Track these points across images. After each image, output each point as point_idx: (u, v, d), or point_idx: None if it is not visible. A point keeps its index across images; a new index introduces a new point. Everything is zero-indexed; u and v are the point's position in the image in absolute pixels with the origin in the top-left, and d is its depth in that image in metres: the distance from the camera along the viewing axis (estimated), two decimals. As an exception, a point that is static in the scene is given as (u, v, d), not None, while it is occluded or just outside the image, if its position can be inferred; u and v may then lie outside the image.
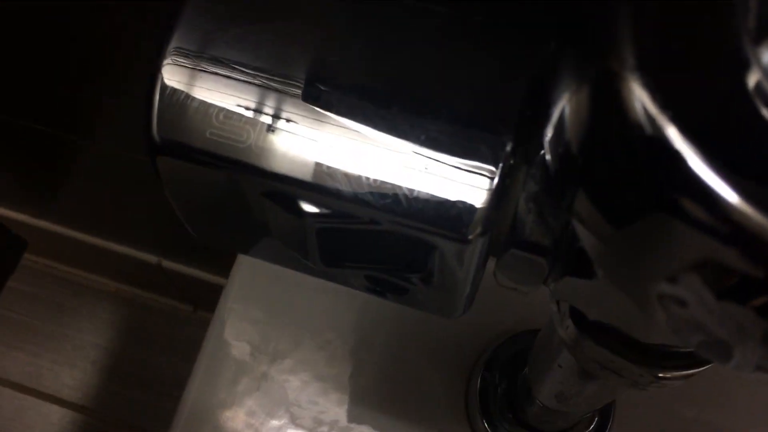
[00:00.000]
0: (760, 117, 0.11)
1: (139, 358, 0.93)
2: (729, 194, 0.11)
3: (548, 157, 0.15)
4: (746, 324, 0.13)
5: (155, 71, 0.18)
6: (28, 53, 0.50)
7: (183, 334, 0.91)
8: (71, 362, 0.93)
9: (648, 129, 0.12)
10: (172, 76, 0.18)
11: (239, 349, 0.47)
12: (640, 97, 0.12)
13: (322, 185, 0.18)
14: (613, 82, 0.12)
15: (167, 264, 0.79)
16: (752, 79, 0.12)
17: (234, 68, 0.18)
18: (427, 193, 0.17)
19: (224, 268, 0.73)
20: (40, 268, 0.94)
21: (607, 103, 0.13)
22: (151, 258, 0.79)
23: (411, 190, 0.17)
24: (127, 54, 0.46)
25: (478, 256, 0.18)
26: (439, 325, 0.45)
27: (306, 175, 0.18)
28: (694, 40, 0.12)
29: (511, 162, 0.18)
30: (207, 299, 0.84)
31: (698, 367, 0.22)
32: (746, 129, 0.12)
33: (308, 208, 0.18)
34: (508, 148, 0.17)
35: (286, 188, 0.18)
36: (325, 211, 0.18)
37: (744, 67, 0.12)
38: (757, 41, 0.11)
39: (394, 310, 0.47)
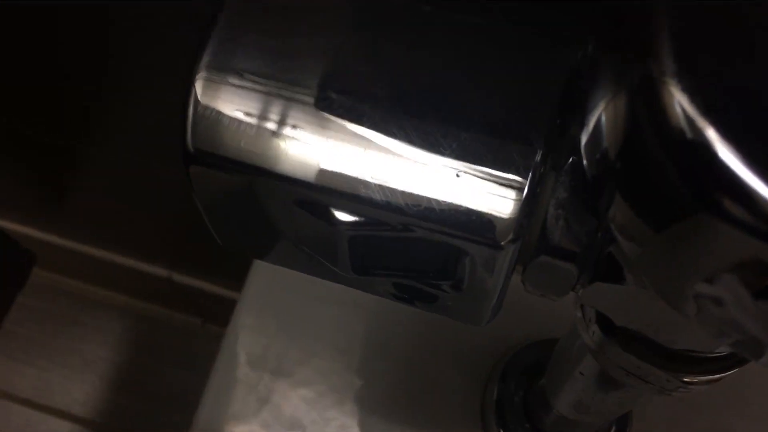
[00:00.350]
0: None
1: (148, 371, 0.93)
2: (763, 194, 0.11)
3: (585, 162, 0.15)
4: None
5: (189, 84, 0.19)
6: (36, 62, 0.51)
7: (192, 348, 0.91)
8: (80, 377, 0.93)
9: (688, 132, 0.12)
10: (205, 88, 0.19)
11: (253, 362, 0.47)
12: (680, 101, 0.12)
13: (355, 194, 0.18)
14: (653, 86, 0.13)
15: (177, 277, 0.80)
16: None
17: (266, 81, 0.19)
18: (460, 201, 0.18)
19: (234, 280, 0.73)
20: (48, 283, 0.95)
21: (647, 108, 0.13)
22: (161, 271, 0.79)
23: (444, 198, 0.18)
24: (137, 64, 0.47)
25: (509, 262, 0.19)
26: (455, 333, 0.45)
27: (339, 183, 0.18)
28: (732, 44, 0.12)
29: (542, 170, 0.18)
30: (216, 312, 0.84)
31: (726, 372, 0.22)
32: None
33: (341, 216, 0.18)
34: (539, 156, 0.18)
35: (318, 197, 0.18)
36: (357, 219, 0.18)
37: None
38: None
39: (407, 320, 0.47)
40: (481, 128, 0.18)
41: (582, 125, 0.16)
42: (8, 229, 0.81)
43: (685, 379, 0.22)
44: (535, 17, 0.19)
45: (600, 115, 0.15)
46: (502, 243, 0.18)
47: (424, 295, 0.21)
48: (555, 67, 0.18)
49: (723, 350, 0.21)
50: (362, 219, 0.18)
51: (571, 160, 0.19)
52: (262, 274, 0.49)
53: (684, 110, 0.12)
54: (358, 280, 0.21)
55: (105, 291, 0.93)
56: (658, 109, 0.13)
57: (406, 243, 0.19)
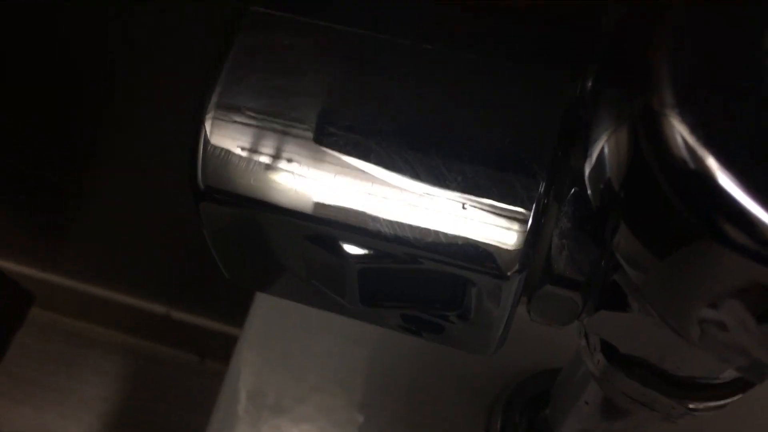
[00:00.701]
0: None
1: (146, 410, 0.92)
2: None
3: (589, 191, 0.16)
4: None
5: (198, 124, 0.19)
6: (34, 99, 0.51)
7: (190, 385, 0.91)
8: (77, 416, 0.92)
9: (690, 162, 0.13)
10: (214, 128, 0.19)
11: (254, 398, 0.47)
12: (681, 132, 0.13)
13: (363, 227, 0.18)
14: (654, 118, 0.13)
15: (176, 314, 0.79)
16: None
17: (273, 120, 0.19)
18: (466, 233, 0.18)
19: (234, 316, 0.73)
20: (46, 322, 0.94)
21: (649, 139, 0.13)
22: (160, 308, 0.79)
23: (450, 231, 0.18)
24: (137, 103, 0.47)
25: (515, 293, 0.19)
26: (458, 364, 0.45)
27: (347, 218, 0.18)
28: (728, 77, 0.13)
29: (545, 201, 0.18)
30: (216, 349, 0.83)
31: (730, 397, 0.22)
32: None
33: (350, 249, 0.19)
34: (542, 188, 0.18)
35: (328, 231, 0.18)
36: (366, 252, 0.18)
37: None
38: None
39: (409, 353, 0.47)
40: (485, 162, 0.18)
41: (584, 156, 0.16)
42: (6, 268, 0.81)
43: (691, 406, 0.22)
44: (533, 50, 0.20)
45: (603, 146, 0.15)
46: (508, 273, 0.18)
47: (431, 326, 0.21)
48: (554, 100, 0.19)
49: (727, 376, 0.22)
50: (371, 252, 0.18)
51: (573, 190, 0.19)
52: (264, 309, 0.49)
53: (685, 141, 0.13)
54: (365, 312, 0.21)
55: (103, 329, 0.93)
56: (660, 140, 0.13)
57: (413, 274, 0.19)
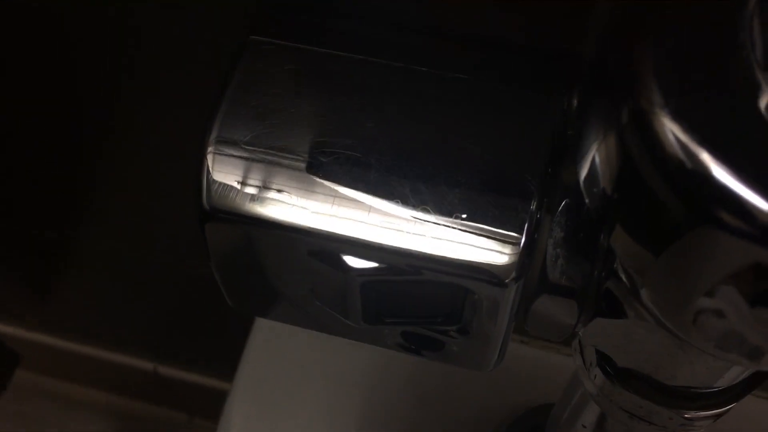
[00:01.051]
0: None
1: (132, 472, 0.90)
2: (759, 202, 0.13)
3: (586, 199, 0.16)
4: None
5: (203, 150, 0.20)
6: (18, 149, 0.51)
7: (178, 445, 0.89)
8: (61, 481, 0.90)
9: (684, 158, 0.13)
10: (216, 155, 0.20)
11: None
12: (672, 130, 0.14)
13: (365, 241, 0.19)
14: (645, 120, 0.14)
15: (163, 370, 0.79)
16: (763, 101, 0.13)
17: (274, 142, 0.20)
18: (466, 244, 0.19)
19: (223, 371, 0.73)
20: (30, 385, 0.93)
21: (641, 139, 0.14)
22: (147, 365, 0.78)
23: (451, 242, 0.19)
24: (122, 163, 0.48)
25: (512, 302, 0.19)
26: (453, 403, 0.45)
27: (349, 232, 0.19)
28: (710, 73, 0.14)
29: (538, 215, 0.19)
30: (203, 406, 0.82)
31: (725, 406, 0.22)
32: (764, 146, 0.13)
33: (352, 262, 0.19)
34: (535, 202, 0.19)
35: (330, 245, 0.19)
36: (369, 264, 0.19)
37: (756, 91, 0.13)
38: (766, 69, 0.13)
39: (403, 395, 0.47)
40: (481, 179, 0.19)
41: (576, 167, 0.17)
42: (-10, 329, 0.80)
43: (687, 416, 0.22)
44: (520, 73, 0.21)
45: (594, 154, 0.16)
46: (506, 281, 0.19)
47: (432, 342, 0.22)
48: (543, 120, 0.20)
49: (721, 384, 0.22)
50: (373, 264, 0.19)
51: (564, 202, 0.20)
52: (254, 362, 0.49)
53: (677, 138, 0.14)
54: (367, 330, 0.22)
55: (89, 390, 0.91)
56: (652, 139, 0.14)
57: (414, 287, 0.20)
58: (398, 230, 0.19)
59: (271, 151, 0.20)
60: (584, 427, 0.29)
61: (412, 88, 0.20)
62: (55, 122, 0.45)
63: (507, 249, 0.19)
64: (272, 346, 0.49)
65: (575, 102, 0.20)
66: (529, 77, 0.21)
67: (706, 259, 0.14)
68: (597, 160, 0.16)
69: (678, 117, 0.14)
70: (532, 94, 0.20)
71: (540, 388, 0.46)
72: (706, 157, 0.13)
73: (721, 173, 0.13)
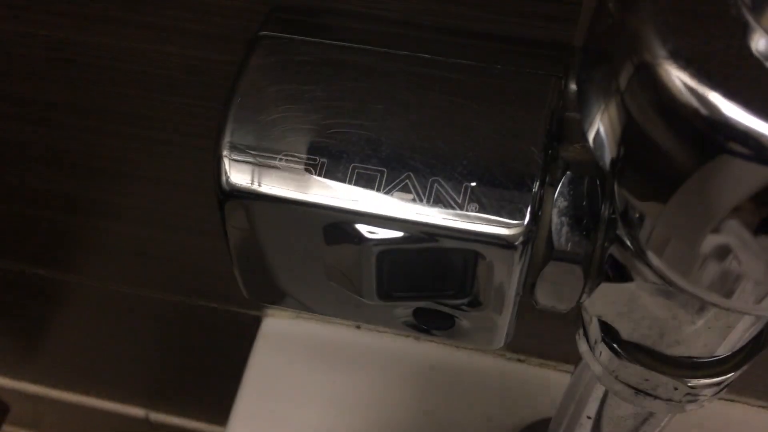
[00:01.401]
0: (765, 68, 0.14)
1: None
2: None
3: (600, 158, 0.17)
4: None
5: (221, 126, 0.21)
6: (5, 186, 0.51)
7: (169, 496, 0.87)
8: None
9: (694, 101, 0.14)
10: (235, 131, 0.21)
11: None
12: (678, 76, 0.15)
13: (381, 214, 0.20)
14: (650, 71, 0.15)
15: (155, 416, 0.78)
16: (754, 40, 0.15)
17: (286, 130, 0.21)
18: (477, 211, 0.20)
19: (216, 415, 0.72)
20: (15, 439, 0.91)
21: (648, 90, 0.15)
22: (138, 411, 0.77)
23: (464, 209, 0.20)
24: (108, 212, 0.48)
25: (521, 266, 0.20)
26: (454, 417, 0.46)
27: (365, 206, 0.20)
28: (704, 21, 0.15)
29: (542, 186, 0.20)
30: (195, 453, 0.81)
31: (728, 374, 0.23)
32: (758, 80, 0.14)
33: (368, 233, 0.20)
34: (539, 172, 0.20)
35: (347, 217, 0.20)
36: (384, 235, 0.20)
37: (746, 31, 0.15)
38: (753, 9, 0.15)
39: (402, 418, 0.47)
40: (488, 151, 0.20)
41: (583, 134, 0.18)
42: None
43: (691, 384, 0.23)
44: (520, 58, 0.22)
45: (598, 123, 0.17)
46: (516, 243, 0.20)
47: (443, 319, 0.23)
48: (542, 100, 0.21)
49: (722, 352, 0.23)
50: (388, 234, 0.20)
51: (567, 174, 0.21)
52: (247, 405, 0.49)
53: (684, 83, 0.15)
54: (380, 309, 0.23)
55: (77, 441, 0.89)
56: (660, 88, 0.15)
57: (428, 257, 0.21)
58: (412, 201, 0.20)
59: (287, 132, 0.21)
60: (589, 418, 0.29)
61: (418, 73, 0.22)
62: (49, 166, 0.45)
63: (515, 214, 0.20)
64: (265, 390, 0.49)
65: (572, 86, 0.22)
66: (527, 63, 0.22)
67: (713, 195, 0.15)
68: (601, 126, 0.17)
69: (682, 64, 0.15)
70: (530, 77, 0.22)
71: (539, 404, 0.46)
72: (714, 97, 0.14)
73: (730, 109, 0.14)
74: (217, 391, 0.69)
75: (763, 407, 0.46)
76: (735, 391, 0.46)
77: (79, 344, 0.72)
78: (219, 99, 0.22)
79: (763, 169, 0.14)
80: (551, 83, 0.22)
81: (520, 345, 0.48)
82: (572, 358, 0.30)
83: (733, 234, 0.15)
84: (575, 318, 0.26)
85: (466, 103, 0.21)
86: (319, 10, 0.25)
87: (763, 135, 0.14)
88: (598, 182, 0.21)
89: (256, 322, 0.54)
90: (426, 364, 0.49)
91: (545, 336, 0.47)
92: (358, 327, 0.50)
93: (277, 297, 0.24)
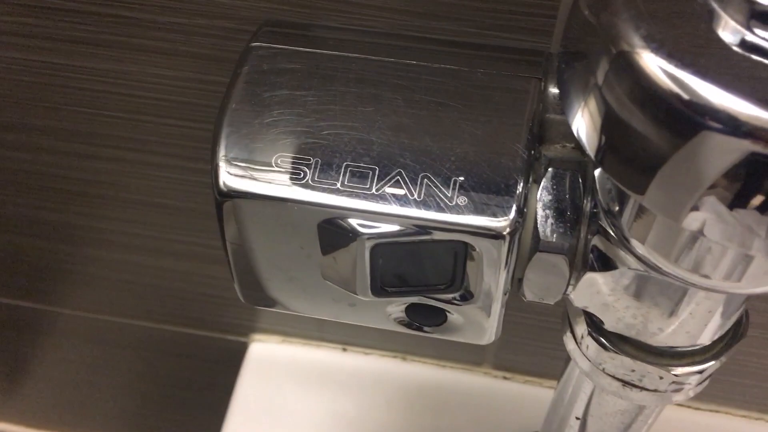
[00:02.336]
0: (733, 51, 0.16)
1: None
2: (742, 106, 0.15)
3: (583, 141, 0.18)
4: (753, 224, 0.16)
5: (217, 131, 0.22)
6: None
7: None
8: None
9: (669, 82, 0.16)
10: (230, 136, 0.22)
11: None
12: (657, 63, 0.16)
13: (374, 211, 0.21)
14: (628, 60, 0.16)
15: (138, 453, 0.77)
16: (720, 26, 0.16)
17: (279, 133, 0.22)
18: (466, 205, 0.20)
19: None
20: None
21: (626, 78, 0.16)
22: (121, 448, 0.76)
23: (454, 203, 0.20)
24: (99, 219, 0.48)
25: (509, 257, 0.21)
26: (443, 435, 0.46)
27: (358, 204, 0.21)
28: (673, 10, 0.16)
29: (527, 180, 0.21)
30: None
31: (710, 362, 0.24)
32: (728, 63, 0.16)
33: (362, 227, 0.21)
34: (524, 166, 0.21)
35: (342, 215, 0.21)
36: (378, 230, 0.21)
37: (713, 18, 0.16)
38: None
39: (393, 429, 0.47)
40: (475, 148, 0.21)
41: (565, 137, 0.19)
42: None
43: (675, 372, 0.24)
44: (501, 63, 0.23)
45: (579, 116, 0.18)
46: (504, 233, 0.20)
47: (435, 315, 0.23)
48: (524, 101, 0.22)
49: (704, 341, 0.24)
50: (382, 229, 0.21)
51: (551, 170, 0.22)
52: (235, 430, 0.49)
53: (662, 68, 0.16)
54: (373, 306, 0.23)
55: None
56: (638, 75, 0.16)
57: (420, 252, 0.21)
58: (403, 196, 0.21)
59: (281, 134, 0.21)
60: (577, 419, 0.30)
61: (405, 78, 0.23)
62: (32, 192, 0.45)
63: (502, 206, 0.20)
64: (252, 414, 0.49)
65: (551, 89, 0.23)
66: (508, 68, 0.23)
67: (693, 172, 0.16)
68: (583, 119, 0.18)
69: (657, 50, 0.16)
70: (512, 80, 0.23)
71: (526, 420, 0.47)
72: (691, 79, 0.15)
73: (706, 90, 0.15)
74: (205, 419, 0.68)
75: (745, 416, 0.47)
76: (718, 401, 0.47)
77: (61, 378, 0.71)
78: (210, 121, 0.23)
79: (739, 142, 0.15)
80: (532, 85, 0.23)
81: (506, 363, 0.49)
82: (557, 373, 0.31)
83: (713, 210, 0.16)
84: (561, 322, 0.27)
85: (452, 104, 0.22)
86: (308, 24, 0.26)
87: (737, 111, 0.15)
88: (579, 178, 0.22)
89: (242, 348, 0.54)
90: (413, 384, 0.49)
91: (530, 354, 0.48)
92: (344, 349, 0.51)
93: (272, 300, 0.25)
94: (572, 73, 0.19)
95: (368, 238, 0.21)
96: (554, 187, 0.22)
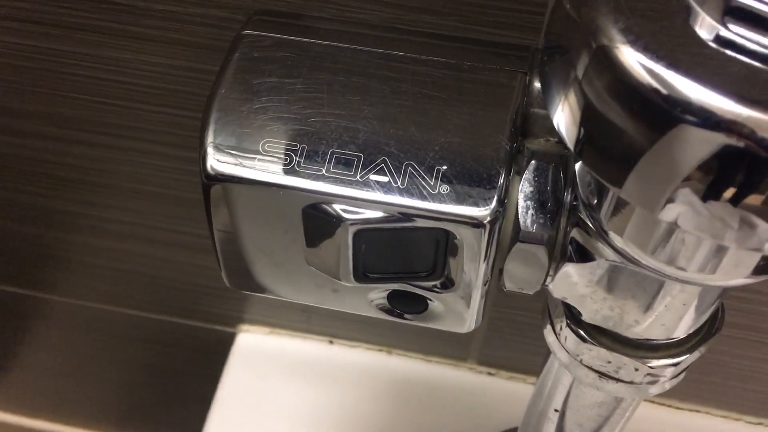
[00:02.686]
0: (708, 46, 0.16)
1: None
2: (718, 101, 0.15)
3: (563, 134, 0.19)
4: (725, 216, 0.16)
5: (204, 123, 0.22)
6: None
7: None
8: None
9: (646, 77, 0.16)
10: (219, 122, 0.22)
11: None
12: (635, 57, 0.16)
13: (358, 197, 0.21)
14: (608, 55, 0.17)
15: (124, 442, 0.77)
16: (697, 22, 0.16)
17: (267, 118, 0.22)
18: (448, 193, 0.21)
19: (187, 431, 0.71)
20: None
21: (606, 72, 0.17)
22: (108, 437, 0.77)
23: (437, 191, 0.21)
24: (97, 213, 0.48)
25: (489, 245, 0.22)
26: (426, 430, 0.46)
27: (343, 190, 0.21)
28: (654, 7, 0.17)
29: (509, 171, 0.22)
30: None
31: (685, 355, 0.25)
32: (703, 58, 0.16)
33: (345, 213, 0.21)
34: (506, 156, 0.21)
35: (325, 199, 0.21)
36: (361, 215, 0.21)
37: (689, 14, 0.16)
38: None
39: (377, 424, 0.48)
40: (459, 139, 0.22)
41: (548, 131, 0.20)
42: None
43: (651, 365, 0.24)
44: (487, 57, 0.24)
45: (560, 109, 0.19)
46: (484, 222, 0.21)
47: (416, 302, 0.24)
48: (508, 93, 0.23)
49: (679, 334, 0.24)
50: (365, 215, 0.21)
51: (533, 162, 0.23)
52: (219, 421, 0.49)
53: (641, 63, 0.16)
54: (355, 292, 0.24)
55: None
56: (618, 70, 0.16)
57: (402, 238, 0.22)
58: (387, 183, 0.21)
59: (268, 121, 0.22)
60: (556, 411, 0.31)
61: (392, 68, 0.23)
62: (25, 177, 0.46)
63: (484, 195, 0.21)
64: (238, 405, 0.49)
65: (536, 83, 0.23)
66: (494, 61, 0.24)
67: (669, 164, 0.16)
68: (564, 112, 0.19)
69: (636, 44, 0.16)
70: (497, 73, 0.23)
71: (509, 416, 0.47)
72: (668, 74, 0.16)
73: (683, 84, 0.16)
74: (190, 408, 0.68)
75: (725, 417, 0.48)
76: (699, 401, 0.48)
77: (49, 366, 0.72)
78: (200, 109, 0.23)
79: (713, 135, 0.15)
80: (517, 79, 0.23)
81: (490, 359, 0.50)
82: (539, 370, 0.31)
83: (687, 201, 0.17)
84: (541, 316, 0.28)
85: (438, 95, 0.22)
86: (299, 15, 0.26)
87: (711, 104, 0.15)
88: (561, 171, 0.23)
89: (230, 339, 0.54)
90: (398, 378, 0.50)
91: (514, 350, 0.48)
92: (331, 342, 0.51)
93: (257, 285, 0.25)
94: (554, 67, 0.20)
95: (351, 224, 0.21)
96: (536, 179, 0.22)
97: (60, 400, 0.77)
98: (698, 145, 0.16)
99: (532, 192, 0.22)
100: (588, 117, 0.18)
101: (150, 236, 0.48)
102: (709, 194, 0.16)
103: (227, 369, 0.51)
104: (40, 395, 0.77)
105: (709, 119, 0.15)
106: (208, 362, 0.57)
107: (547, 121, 0.22)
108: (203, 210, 0.23)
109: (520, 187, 0.22)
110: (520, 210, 0.22)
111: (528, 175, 0.23)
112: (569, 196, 0.22)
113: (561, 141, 0.21)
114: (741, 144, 0.15)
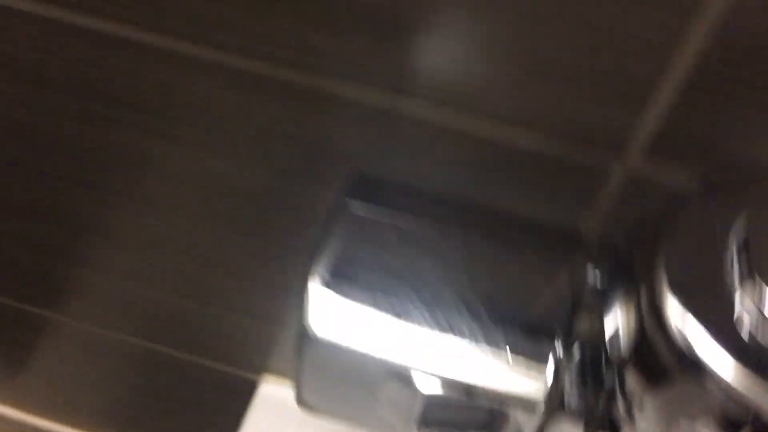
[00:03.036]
0: (745, 333, 0.20)
1: None
2: (728, 364, 0.19)
3: (608, 349, 0.23)
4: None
5: (306, 287, 0.26)
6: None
7: None
8: None
9: (683, 342, 0.20)
10: (318, 294, 0.26)
11: None
12: (676, 323, 0.20)
13: (436, 374, 0.25)
14: (659, 310, 0.21)
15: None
16: (736, 315, 0.20)
17: (363, 293, 0.26)
18: (508, 375, 0.25)
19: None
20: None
21: (655, 324, 0.21)
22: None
23: (498, 378, 0.25)
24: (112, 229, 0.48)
25: (539, 423, 0.26)
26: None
27: (423, 366, 0.25)
28: (701, 270, 0.21)
29: (561, 358, 0.26)
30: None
31: None
32: (735, 335, 0.20)
33: (422, 386, 0.25)
34: (559, 351, 0.25)
35: (407, 371, 0.25)
36: (434, 390, 0.25)
37: (732, 308, 0.20)
38: (741, 278, 0.20)
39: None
40: (519, 329, 0.26)
41: (602, 326, 0.24)
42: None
43: None
44: (548, 242, 0.28)
45: (618, 323, 0.23)
46: (536, 408, 0.25)
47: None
48: (564, 278, 0.27)
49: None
50: (438, 390, 0.25)
51: (579, 343, 0.27)
52: None
53: (678, 328, 0.20)
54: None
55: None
56: (665, 325, 0.20)
57: (466, 403, 0.26)
58: (461, 362, 0.25)
59: (363, 294, 0.26)
60: None
61: (470, 250, 0.27)
62: (47, 200, 0.45)
63: (538, 381, 0.25)
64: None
65: (589, 269, 0.27)
66: (553, 246, 0.28)
67: (682, 396, 0.20)
68: (620, 327, 0.23)
69: (677, 295, 0.20)
70: (555, 258, 0.27)
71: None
72: (705, 340, 0.20)
73: (704, 353, 0.20)
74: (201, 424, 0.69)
75: None
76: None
77: (63, 372, 0.72)
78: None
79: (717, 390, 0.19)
80: (572, 265, 0.27)
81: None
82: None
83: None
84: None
85: (506, 276, 0.26)
86: (388, 182, 0.30)
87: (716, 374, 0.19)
88: (603, 355, 0.27)
89: (250, 387, 0.56)
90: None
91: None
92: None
93: (325, 412, 0.29)
94: (618, 285, 0.24)
95: (424, 393, 0.25)
96: (582, 361, 0.26)
97: (72, 406, 0.78)
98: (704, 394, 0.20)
99: (576, 374, 0.26)
100: (638, 338, 0.22)
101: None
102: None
103: (248, 418, 0.53)
104: (53, 396, 0.78)
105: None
106: (225, 409, 0.58)
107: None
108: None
109: (568, 367, 0.26)
110: (565, 386, 0.26)
111: (576, 357, 0.26)
112: (608, 378, 0.26)
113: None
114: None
